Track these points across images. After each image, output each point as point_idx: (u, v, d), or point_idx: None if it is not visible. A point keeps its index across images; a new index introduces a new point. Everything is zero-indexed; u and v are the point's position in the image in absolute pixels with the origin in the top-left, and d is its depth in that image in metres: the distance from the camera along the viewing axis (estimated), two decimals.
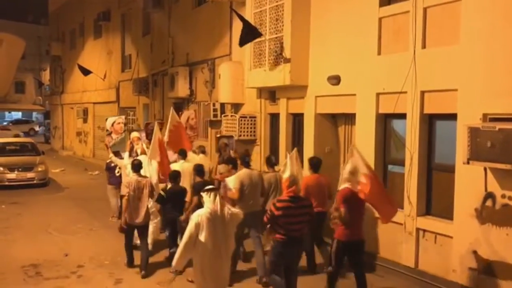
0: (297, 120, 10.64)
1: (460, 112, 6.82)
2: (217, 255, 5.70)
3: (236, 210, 6.08)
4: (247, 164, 8.10)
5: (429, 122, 7.58)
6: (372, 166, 8.32)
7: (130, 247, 8.28)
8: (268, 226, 6.15)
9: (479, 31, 6.61)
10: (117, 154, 10.98)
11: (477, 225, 6.58)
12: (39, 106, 45.14)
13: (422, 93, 7.43)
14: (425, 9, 7.39)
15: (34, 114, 51.69)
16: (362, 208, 6.53)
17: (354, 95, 8.70)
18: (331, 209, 6.77)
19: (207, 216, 5.63)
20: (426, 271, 7.37)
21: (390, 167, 8.42)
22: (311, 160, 8.06)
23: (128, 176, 8.54)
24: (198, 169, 8.27)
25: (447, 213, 7.09)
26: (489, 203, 6.45)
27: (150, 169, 9.09)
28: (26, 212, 12.58)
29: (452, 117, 6.94)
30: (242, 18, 9.85)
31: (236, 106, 12.55)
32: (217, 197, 5.74)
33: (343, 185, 6.43)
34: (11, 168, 16.00)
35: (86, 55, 25.95)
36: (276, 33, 10.07)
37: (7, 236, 10.38)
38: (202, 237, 5.61)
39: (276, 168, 8.71)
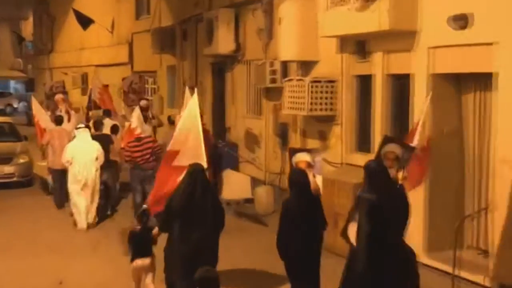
0: (399, 85, 10.48)
1: None
2: (80, 171, 12.48)
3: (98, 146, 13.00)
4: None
5: None
6: None
7: (62, 189, 13.79)
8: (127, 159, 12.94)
9: None
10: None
11: None
12: (19, 72, 46.36)
13: None
14: None
15: (12, 83, 53.24)
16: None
17: (493, 44, 8.43)
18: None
19: (73, 146, 12.73)
20: None
21: None
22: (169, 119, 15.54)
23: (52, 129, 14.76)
24: (95, 125, 14.71)
25: None
26: None
27: (68, 125, 15.35)
28: (4, 223, 12.86)
29: None
30: None
31: (306, 66, 12.51)
32: (86, 135, 12.85)
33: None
34: None
35: None
36: None
37: None
38: (72, 159, 12.52)
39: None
